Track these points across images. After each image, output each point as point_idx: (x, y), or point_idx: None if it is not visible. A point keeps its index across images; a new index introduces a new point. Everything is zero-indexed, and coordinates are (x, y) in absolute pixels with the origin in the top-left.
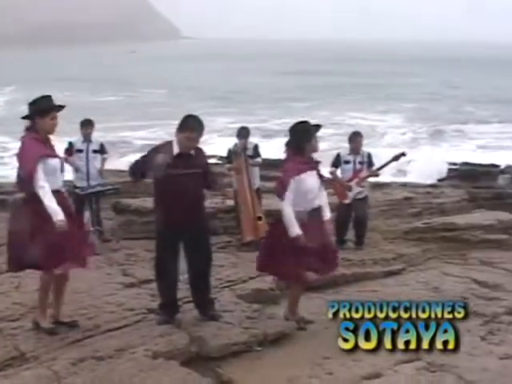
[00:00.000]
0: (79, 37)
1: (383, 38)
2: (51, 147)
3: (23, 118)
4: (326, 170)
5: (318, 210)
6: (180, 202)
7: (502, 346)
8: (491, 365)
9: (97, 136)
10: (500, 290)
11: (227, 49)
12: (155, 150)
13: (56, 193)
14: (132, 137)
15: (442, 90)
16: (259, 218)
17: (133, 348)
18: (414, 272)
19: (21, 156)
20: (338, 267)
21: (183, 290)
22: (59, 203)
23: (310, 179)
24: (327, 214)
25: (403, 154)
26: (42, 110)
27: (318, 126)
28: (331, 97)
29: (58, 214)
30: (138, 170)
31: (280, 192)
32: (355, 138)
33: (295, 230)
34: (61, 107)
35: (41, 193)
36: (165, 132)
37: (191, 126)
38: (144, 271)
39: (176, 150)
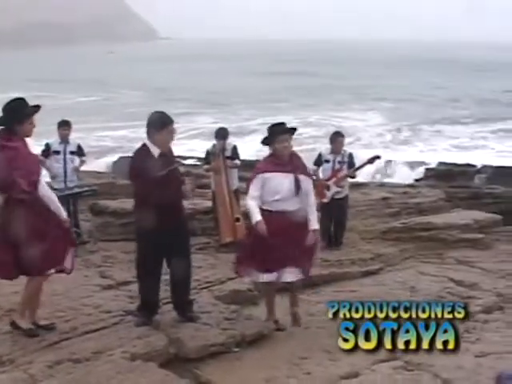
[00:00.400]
0: (55, 37)
1: (384, 37)
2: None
3: (3, 123)
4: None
5: (288, 214)
6: (162, 203)
7: (478, 344)
8: (467, 363)
9: (74, 137)
10: (476, 288)
11: (206, 49)
12: (138, 162)
13: None
14: (110, 137)
15: (426, 91)
16: (237, 219)
17: (110, 350)
18: (392, 272)
19: (20, 163)
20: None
21: (161, 291)
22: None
23: (278, 180)
24: (312, 224)
25: (378, 157)
26: (20, 116)
27: (292, 129)
28: (314, 97)
29: (64, 213)
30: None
31: (246, 188)
32: (336, 137)
33: (256, 217)
34: (37, 108)
35: (50, 196)
36: (144, 131)
37: (167, 120)
38: (122, 273)
39: (156, 151)
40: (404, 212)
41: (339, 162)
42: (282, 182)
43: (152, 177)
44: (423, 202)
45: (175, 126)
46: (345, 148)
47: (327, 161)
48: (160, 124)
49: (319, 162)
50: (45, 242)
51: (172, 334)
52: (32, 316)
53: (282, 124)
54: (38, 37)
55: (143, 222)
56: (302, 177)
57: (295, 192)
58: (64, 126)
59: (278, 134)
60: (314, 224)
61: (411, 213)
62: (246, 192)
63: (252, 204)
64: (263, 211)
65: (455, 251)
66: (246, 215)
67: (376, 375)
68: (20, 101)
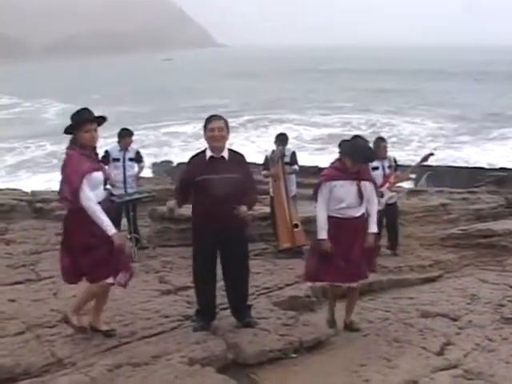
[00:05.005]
0: (109, 45)
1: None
2: (95, 159)
3: (65, 132)
4: None
5: (353, 220)
6: (215, 209)
7: None
8: None
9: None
10: None
11: (265, 56)
12: (189, 162)
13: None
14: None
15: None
16: (296, 226)
17: (169, 355)
18: (451, 279)
19: (66, 171)
20: (355, 281)
21: (219, 297)
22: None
23: (344, 188)
24: (372, 228)
25: (431, 154)
26: (76, 124)
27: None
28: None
29: (111, 228)
30: (182, 194)
31: (313, 194)
32: (379, 143)
33: (322, 234)
34: (95, 118)
35: (90, 210)
36: None
37: (210, 119)
38: (180, 278)
39: (209, 154)
40: (463, 218)
41: (389, 167)
42: (348, 189)
43: (194, 180)
44: (483, 208)
45: (217, 125)
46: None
47: (375, 168)
48: (206, 123)
49: None
50: (90, 253)
51: (230, 339)
52: (95, 320)
53: (365, 142)
54: (92, 45)
55: (197, 226)
56: (366, 183)
57: (360, 199)
58: (126, 134)
59: (351, 153)
60: (374, 228)
61: (470, 219)
62: (313, 198)
63: (322, 217)
64: (330, 218)
65: None
66: (305, 221)
67: None
68: (80, 110)
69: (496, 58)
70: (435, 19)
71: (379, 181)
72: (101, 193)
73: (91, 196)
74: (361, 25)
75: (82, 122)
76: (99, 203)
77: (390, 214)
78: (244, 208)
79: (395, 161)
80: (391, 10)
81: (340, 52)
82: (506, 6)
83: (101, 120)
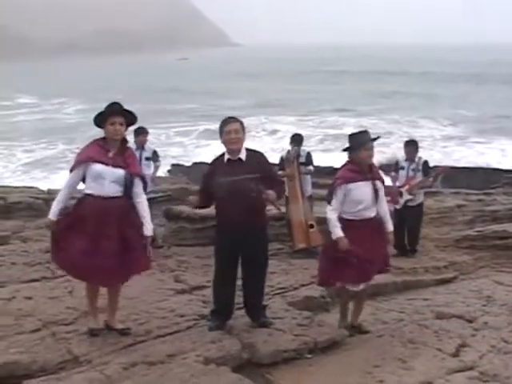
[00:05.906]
0: (122, 44)
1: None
2: (118, 154)
3: (96, 125)
4: None
5: (370, 221)
6: (236, 210)
7: None
8: None
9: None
10: None
11: (281, 55)
12: (210, 165)
13: (98, 198)
14: None
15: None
16: (311, 226)
17: (184, 353)
18: (466, 280)
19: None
20: (366, 281)
21: (235, 297)
22: (97, 209)
23: (361, 190)
24: (388, 227)
25: (450, 167)
26: (101, 117)
27: (375, 138)
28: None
29: (51, 214)
30: (205, 199)
31: (328, 196)
32: (408, 145)
33: (338, 232)
34: (121, 112)
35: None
36: None
37: (225, 121)
38: (195, 278)
39: (226, 156)
40: (479, 220)
41: (413, 170)
42: (364, 191)
43: (212, 182)
44: (499, 209)
45: (234, 127)
46: (420, 155)
47: (402, 168)
48: (221, 126)
49: (397, 169)
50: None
51: (245, 338)
52: (109, 319)
53: (366, 132)
54: (99, 45)
55: (219, 227)
56: (379, 183)
57: (375, 199)
58: (141, 132)
59: (363, 142)
60: (390, 227)
61: (486, 220)
62: (327, 199)
63: (333, 218)
64: (347, 221)
65: None
66: (320, 221)
67: None
68: (111, 104)
69: (498, 57)
70: (435, 18)
71: (401, 181)
72: (104, 187)
73: (65, 182)
74: (360, 23)
75: (107, 115)
76: (109, 198)
77: (411, 216)
78: (271, 192)
79: (426, 164)
80: (390, 8)
81: (343, 51)
82: (505, 3)
83: (128, 115)
